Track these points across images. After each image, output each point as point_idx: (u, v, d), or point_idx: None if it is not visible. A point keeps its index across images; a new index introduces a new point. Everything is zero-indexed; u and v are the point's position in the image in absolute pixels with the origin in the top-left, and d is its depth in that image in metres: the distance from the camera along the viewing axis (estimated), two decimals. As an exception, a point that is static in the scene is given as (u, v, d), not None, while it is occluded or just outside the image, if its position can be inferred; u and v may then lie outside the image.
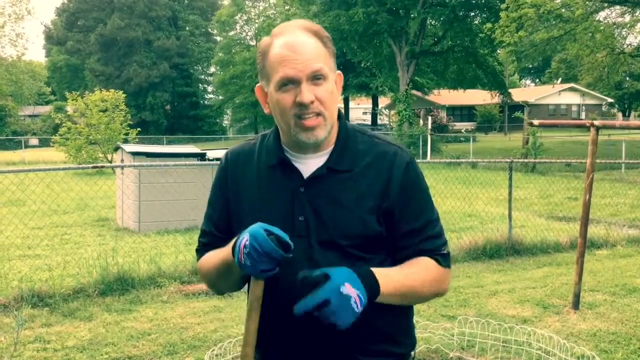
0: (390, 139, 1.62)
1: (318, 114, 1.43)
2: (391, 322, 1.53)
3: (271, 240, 1.31)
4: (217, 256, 1.52)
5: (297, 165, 1.50)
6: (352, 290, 1.30)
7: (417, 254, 1.51)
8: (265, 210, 1.48)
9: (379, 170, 1.49)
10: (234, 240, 1.42)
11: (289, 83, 1.41)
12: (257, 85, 1.53)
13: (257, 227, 1.34)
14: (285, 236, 1.34)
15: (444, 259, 1.53)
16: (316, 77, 1.42)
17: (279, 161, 1.51)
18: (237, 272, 1.45)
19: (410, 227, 1.50)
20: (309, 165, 1.50)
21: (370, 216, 1.47)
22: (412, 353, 1.62)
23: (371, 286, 1.36)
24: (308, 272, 1.33)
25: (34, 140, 45.41)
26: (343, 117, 1.57)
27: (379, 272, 1.40)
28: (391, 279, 1.42)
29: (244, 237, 1.34)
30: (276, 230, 1.34)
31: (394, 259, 1.52)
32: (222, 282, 1.57)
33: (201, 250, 1.64)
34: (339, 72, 1.53)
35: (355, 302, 1.30)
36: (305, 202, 1.47)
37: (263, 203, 1.50)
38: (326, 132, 1.46)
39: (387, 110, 48.55)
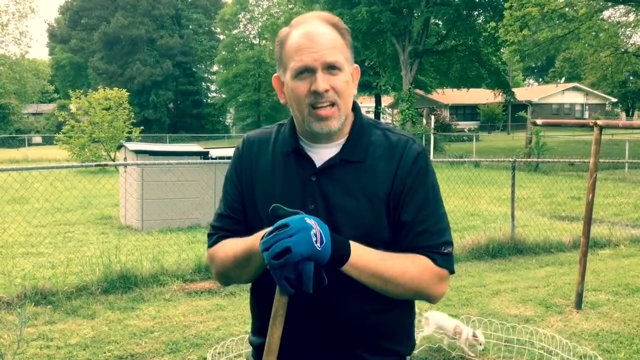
0: (405, 131, 1.60)
1: (332, 104, 1.43)
2: (391, 321, 1.53)
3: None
4: (239, 243, 1.48)
5: (310, 154, 1.50)
6: (315, 226, 1.28)
7: (413, 249, 1.45)
8: (276, 197, 1.48)
9: (389, 161, 1.49)
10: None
11: (305, 71, 1.42)
12: (274, 75, 1.54)
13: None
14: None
15: (443, 259, 1.46)
16: (332, 68, 1.42)
17: (293, 149, 1.52)
18: (255, 264, 1.43)
19: (408, 218, 1.46)
20: (322, 154, 1.50)
21: (380, 208, 1.46)
22: (409, 358, 1.61)
23: (339, 244, 1.34)
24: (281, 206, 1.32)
25: (37, 138, 45.49)
26: (359, 108, 1.57)
27: (356, 244, 1.38)
28: (367, 255, 1.39)
29: None
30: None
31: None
32: (237, 272, 1.52)
33: (215, 234, 1.60)
34: (356, 65, 1.53)
35: (315, 235, 1.27)
36: (317, 191, 1.47)
37: (275, 189, 1.51)
38: (339, 123, 1.46)
39: (390, 109, 48.51)
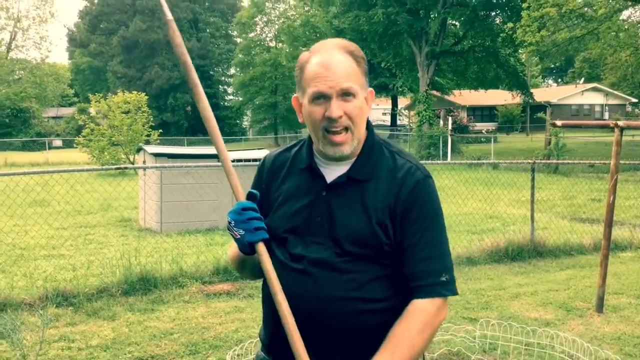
0: (413, 157, 1.65)
1: (346, 129, 1.53)
2: (386, 322, 1.53)
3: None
4: (232, 250, 1.72)
5: (323, 170, 1.61)
6: None
7: (415, 273, 1.52)
8: (289, 208, 1.61)
9: (391, 184, 1.57)
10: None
11: (321, 97, 1.52)
12: (294, 95, 1.64)
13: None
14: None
15: (442, 287, 1.52)
16: (346, 94, 1.51)
17: (308, 166, 1.62)
18: (248, 264, 1.68)
19: (409, 243, 1.53)
20: (333, 172, 1.60)
21: (377, 226, 1.53)
22: None
23: None
24: None
25: (57, 142, 46.00)
26: (372, 128, 1.65)
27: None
28: None
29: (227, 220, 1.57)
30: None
31: (393, 275, 1.55)
32: (240, 270, 1.80)
33: None
34: (370, 89, 1.62)
35: None
36: (324, 205, 1.57)
37: (289, 201, 1.62)
38: (352, 148, 1.56)
39: (406, 110, 48.33)
